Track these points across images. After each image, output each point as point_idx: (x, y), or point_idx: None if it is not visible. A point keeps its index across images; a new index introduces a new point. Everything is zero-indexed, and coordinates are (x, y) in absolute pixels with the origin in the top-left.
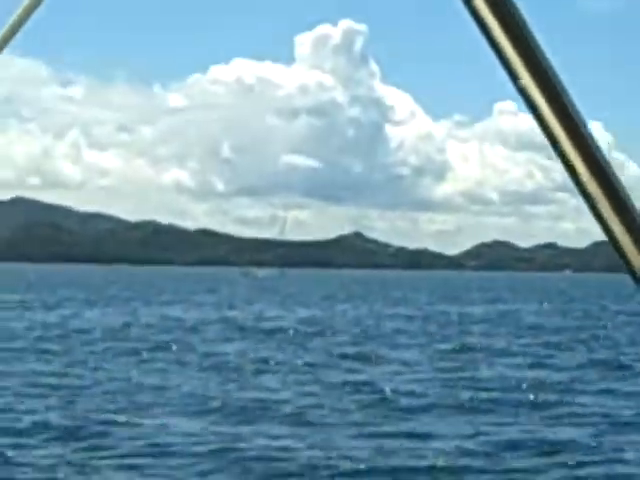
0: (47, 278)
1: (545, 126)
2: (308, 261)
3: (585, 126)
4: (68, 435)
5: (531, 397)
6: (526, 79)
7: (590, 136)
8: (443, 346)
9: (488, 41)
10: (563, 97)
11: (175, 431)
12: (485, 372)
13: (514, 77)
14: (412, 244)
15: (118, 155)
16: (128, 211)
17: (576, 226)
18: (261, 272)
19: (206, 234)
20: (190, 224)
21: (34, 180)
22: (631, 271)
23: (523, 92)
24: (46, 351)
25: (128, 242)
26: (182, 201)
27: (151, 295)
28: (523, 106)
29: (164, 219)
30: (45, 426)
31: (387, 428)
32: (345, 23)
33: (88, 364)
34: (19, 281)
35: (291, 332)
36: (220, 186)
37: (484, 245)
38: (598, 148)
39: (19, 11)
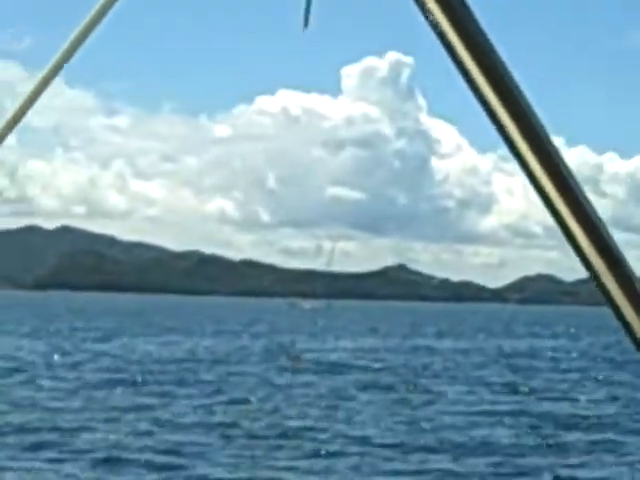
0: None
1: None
2: (352, 293)
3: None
4: None
5: None
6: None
7: (556, 152)
8: None
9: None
10: (528, 114)
11: None
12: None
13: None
14: (456, 276)
15: (163, 185)
16: (172, 241)
17: None
18: (307, 304)
19: (250, 265)
20: (234, 254)
21: (79, 209)
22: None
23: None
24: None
25: (172, 271)
26: (226, 231)
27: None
28: (569, 140)
29: (208, 249)
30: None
31: None
32: (392, 55)
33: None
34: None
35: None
36: (265, 217)
37: (527, 278)
38: (565, 166)
39: (70, 40)
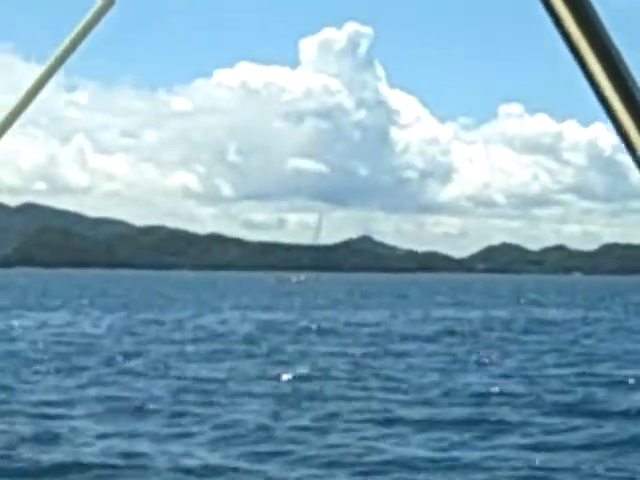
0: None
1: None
2: (318, 265)
3: None
4: None
5: None
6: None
7: None
8: None
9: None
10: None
11: None
12: None
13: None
14: (420, 247)
15: (123, 160)
16: (136, 216)
17: (583, 228)
18: (294, 277)
19: (216, 239)
20: (198, 228)
21: (40, 185)
22: None
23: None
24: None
25: (139, 247)
26: (189, 205)
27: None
28: (529, 108)
29: (172, 223)
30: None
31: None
32: (351, 26)
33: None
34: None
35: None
36: (227, 190)
37: (492, 248)
38: None
39: (72, 35)
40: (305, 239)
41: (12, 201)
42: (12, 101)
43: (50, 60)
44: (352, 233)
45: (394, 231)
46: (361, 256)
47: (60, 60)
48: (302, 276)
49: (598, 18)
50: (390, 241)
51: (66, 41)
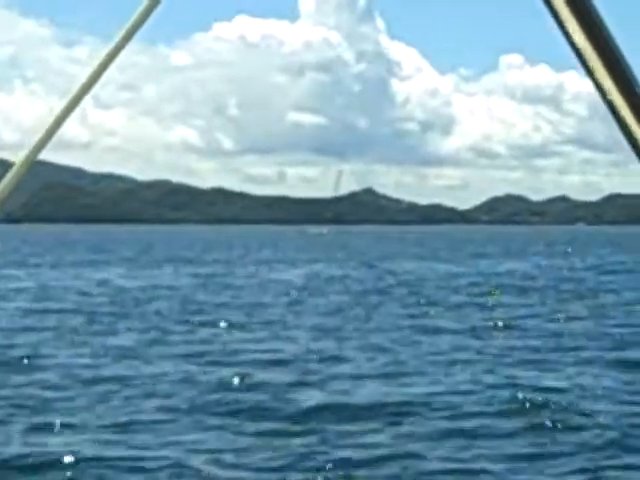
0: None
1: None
2: (323, 218)
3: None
4: None
5: None
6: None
7: None
8: None
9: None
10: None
11: None
12: None
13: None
14: (422, 200)
15: (123, 114)
16: (137, 170)
17: (584, 178)
18: (318, 230)
19: (220, 192)
20: (200, 182)
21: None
22: None
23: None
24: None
25: (144, 201)
26: (190, 159)
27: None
28: (529, 59)
29: (174, 177)
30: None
31: None
32: None
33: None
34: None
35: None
36: (227, 144)
37: (497, 199)
38: None
39: (137, 14)
40: (305, 192)
41: (14, 157)
42: (65, 100)
43: (101, 58)
44: (354, 186)
45: (395, 184)
46: (365, 209)
47: (110, 58)
48: (325, 229)
49: (602, 21)
50: (392, 194)
51: (116, 39)
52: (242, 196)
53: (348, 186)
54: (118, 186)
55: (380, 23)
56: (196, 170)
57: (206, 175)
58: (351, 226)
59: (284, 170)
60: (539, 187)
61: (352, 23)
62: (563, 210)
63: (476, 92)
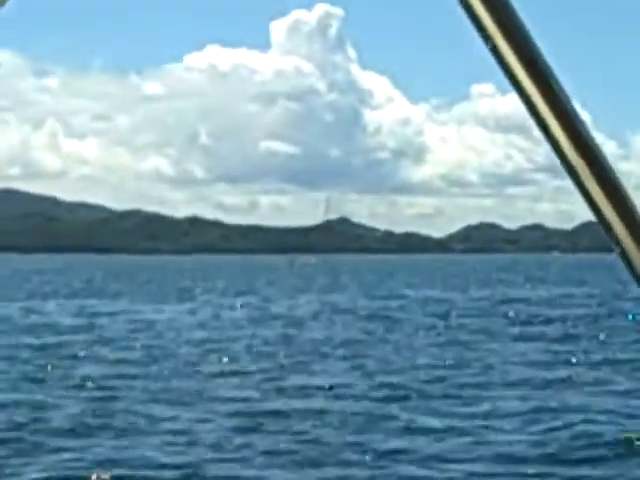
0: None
1: (531, 105)
2: (300, 247)
3: (570, 102)
4: None
5: None
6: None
7: (574, 112)
8: None
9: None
10: (548, 76)
11: None
12: None
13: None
14: (397, 228)
15: (96, 144)
16: (111, 200)
17: (556, 206)
18: (302, 259)
19: (193, 222)
20: (173, 211)
21: (14, 171)
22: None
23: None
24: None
25: (119, 231)
26: (162, 189)
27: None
28: (500, 88)
29: (148, 207)
30: None
31: None
32: (321, 7)
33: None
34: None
35: None
36: (199, 173)
37: (471, 227)
38: (584, 128)
39: None
40: (278, 221)
41: None
42: None
43: None
44: (330, 214)
45: (369, 212)
46: (341, 237)
47: None
48: (312, 259)
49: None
50: (367, 222)
51: None
52: (217, 225)
53: (322, 215)
54: (93, 215)
55: (352, 52)
56: (168, 199)
57: (179, 204)
58: (328, 255)
59: (257, 199)
60: (513, 215)
61: (324, 53)
62: (537, 238)
63: (448, 121)
